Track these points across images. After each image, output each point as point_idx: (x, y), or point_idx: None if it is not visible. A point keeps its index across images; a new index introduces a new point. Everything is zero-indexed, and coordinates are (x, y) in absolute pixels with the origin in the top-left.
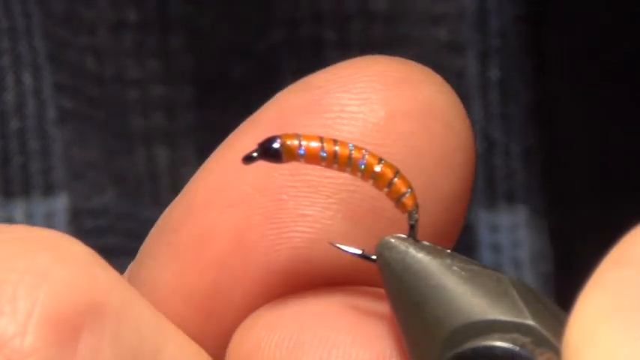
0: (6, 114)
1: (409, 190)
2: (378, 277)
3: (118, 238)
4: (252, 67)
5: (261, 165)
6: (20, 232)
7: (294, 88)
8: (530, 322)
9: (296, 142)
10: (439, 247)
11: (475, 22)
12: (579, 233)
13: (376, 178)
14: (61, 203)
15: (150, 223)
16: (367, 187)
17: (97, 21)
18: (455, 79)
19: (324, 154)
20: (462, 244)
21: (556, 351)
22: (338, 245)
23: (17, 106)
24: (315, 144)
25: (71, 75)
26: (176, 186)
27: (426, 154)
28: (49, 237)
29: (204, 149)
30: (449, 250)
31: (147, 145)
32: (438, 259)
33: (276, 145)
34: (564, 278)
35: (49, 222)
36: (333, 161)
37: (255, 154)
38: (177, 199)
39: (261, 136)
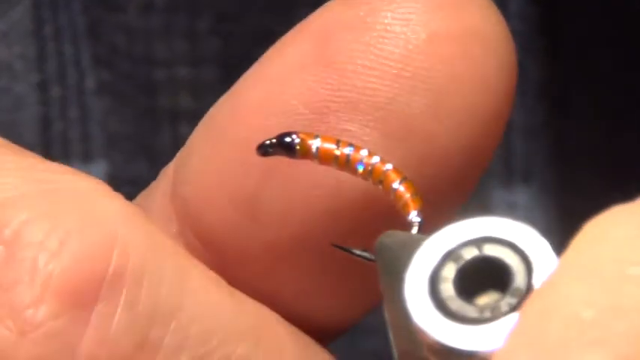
0: (48, 82)
1: (413, 196)
2: None
3: None
4: None
5: (307, 78)
6: (52, 182)
7: (343, 2)
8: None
9: (311, 141)
10: None
11: (496, 4)
12: (588, 212)
13: (383, 183)
14: (99, 170)
15: None
16: (404, 108)
17: (128, 1)
18: None
19: (337, 155)
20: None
21: None
22: (339, 246)
23: (59, 75)
24: (329, 146)
25: (106, 50)
26: None
27: (465, 77)
28: (80, 191)
29: None
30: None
31: (173, 123)
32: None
33: (291, 140)
34: None
35: None
36: (345, 165)
37: (270, 148)
38: (224, 98)
39: (307, 46)
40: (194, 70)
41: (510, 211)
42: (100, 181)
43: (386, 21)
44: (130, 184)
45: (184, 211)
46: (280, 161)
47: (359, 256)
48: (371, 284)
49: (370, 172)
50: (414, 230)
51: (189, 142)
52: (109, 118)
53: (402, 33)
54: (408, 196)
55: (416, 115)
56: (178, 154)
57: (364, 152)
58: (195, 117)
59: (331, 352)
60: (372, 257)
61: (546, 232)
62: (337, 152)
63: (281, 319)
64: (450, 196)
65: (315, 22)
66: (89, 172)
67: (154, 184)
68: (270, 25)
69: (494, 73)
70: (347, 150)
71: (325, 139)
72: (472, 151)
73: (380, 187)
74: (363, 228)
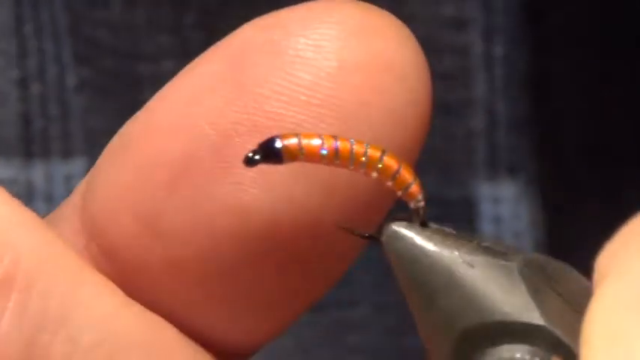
0: (28, 79)
1: (414, 180)
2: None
3: None
4: None
5: (216, 99)
6: None
7: (259, 23)
8: (541, 322)
9: (295, 142)
10: (446, 230)
11: None
12: (574, 203)
13: (380, 172)
14: (79, 166)
15: None
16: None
17: None
18: (459, 55)
19: (325, 152)
20: (464, 217)
21: (569, 350)
22: (344, 227)
23: (39, 71)
24: (316, 142)
25: (88, 47)
26: None
27: (373, 108)
28: None
29: None
30: (455, 232)
31: None
32: (446, 251)
33: (277, 146)
34: (557, 246)
35: (68, 184)
36: (335, 158)
37: (256, 157)
38: (134, 117)
39: (219, 67)
40: (180, 65)
41: (496, 205)
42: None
43: (298, 46)
44: None
45: (91, 225)
46: (185, 181)
47: (364, 237)
48: (275, 311)
49: (365, 162)
50: (416, 215)
51: (101, 156)
52: (90, 115)
53: (313, 59)
54: (411, 181)
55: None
56: (91, 169)
57: (352, 141)
58: None
59: (316, 346)
60: (378, 237)
61: (532, 226)
62: (324, 151)
63: (180, 335)
64: (357, 224)
65: (229, 43)
66: (70, 169)
67: (68, 199)
68: (254, 18)
69: (405, 105)
70: (334, 144)
71: (307, 135)
72: (379, 188)
73: (374, 174)
74: (270, 251)
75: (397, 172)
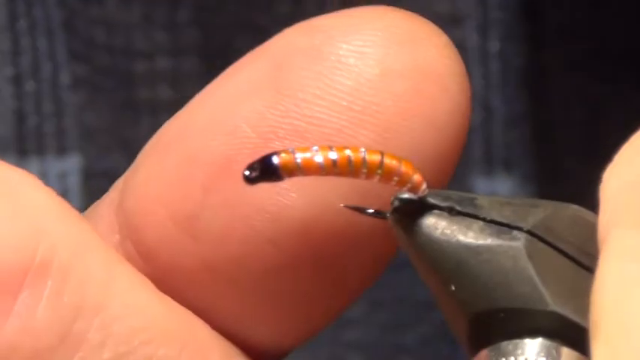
0: (22, 76)
1: (416, 173)
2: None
3: None
4: (257, 40)
5: (257, 101)
6: None
7: (301, 27)
8: (550, 308)
9: (292, 157)
10: (452, 211)
11: None
12: (568, 199)
13: (382, 175)
14: (73, 163)
15: None
16: (351, 141)
17: None
18: None
19: (323, 164)
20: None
21: (580, 328)
22: (351, 206)
23: (33, 69)
24: (313, 155)
25: (83, 44)
26: None
27: (415, 115)
28: (9, 182)
29: None
30: (460, 208)
31: (152, 115)
32: (453, 239)
33: (274, 162)
34: None
35: (62, 181)
36: (334, 169)
37: (254, 175)
38: (175, 116)
39: (261, 70)
40: (174, 61)
41: None
42: (32, 175)
43: (340, 52)
44: (105, 177)
45: (126, 223)
46: (223, 182)
47: (372, 215)
48: (309, 314)
49: (366, 169)
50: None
51: (139, 155)
52: (85, 112)
53: (355, 65)
54: (413, 175)
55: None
56: (130, 166)
57: (347, 152)
58: (175, 108)
59: (312, 343)
60: (386, 215)
61: None
62: (319, 159)
63: (212, 331)
64: (385, 239)
65: (272, 46)
66: (64, 166)
67: (105, 195)
68: (249, 15)
69: (446, 113)
70: (331, 155)
71: (302, 149)
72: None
73: (377, 178)
74: (305, 255)
75: (399, 171)
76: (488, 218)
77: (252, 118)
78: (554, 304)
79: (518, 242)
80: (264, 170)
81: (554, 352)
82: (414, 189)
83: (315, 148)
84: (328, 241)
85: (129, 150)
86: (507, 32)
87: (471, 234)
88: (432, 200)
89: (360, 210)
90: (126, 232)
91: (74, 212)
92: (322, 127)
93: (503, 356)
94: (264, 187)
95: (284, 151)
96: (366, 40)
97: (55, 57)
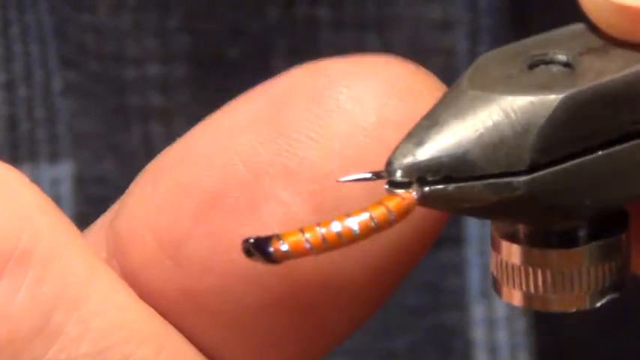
0: (14, 82)
1: (401, 199)
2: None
3: None
4: (247, 47)
5: (252, 137)
6: None
7: (307, 69)
8: None
9: (286, 248)
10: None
11: (465, 0)
12: None
13: (378, 229)
14: (66, 170)
15: None
16: (340, 186)
17: (97, 0)
18: (445, 57)
19: (309, 245)
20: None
21: None
22: (345, 179)
23: (25, 75)
24: (305, 244)
25: (74, 50)
26: None
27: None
28: None
29: None
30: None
31: (143, 121)
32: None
33: (269, 250)
34: None
35: (55, 188)
36: (324, 246)
37: (253, 254)
38: (173, 144)
39: (260, 105)
40: (165, 68)
41: None
42: (19, 171)
43: (340, 97)
44: (97, 183)
45: (114, 242)
46: (211, 214)
47: (370, 179)
48: (289, 354)
49: (356, 235)
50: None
51: (137, 177)
52: (76, 118)
53: (352, 112)
54: (402, 204)
55: (350, 195)
56: (129, 188)
57: (336, 226)
58: (165, 115)
59: None
60: (383, 174)
61: None
62: (307, 246)
63: (188, 342)
64: (372, 288)
65: (275, 83)
66: (56, 173)
67: (101, 217)
68: (240, 22)
69: None
70: (321, 237)
71: (287, 234)
72: (403, 239)
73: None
74: (285, 295)
75: (389, 213)
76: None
77: (245, 152)
78: None
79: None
80: (262, 256)
81: None
82: (409, 208)
83: (307, 238)
84: (311, 284)
85: (120, 156)
86: (497, 38)
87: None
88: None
89: (356, 179)
90: (113, 250)
91: (58, 209)
92: (313, 169)
93: None
94: (249, 224)
95: (288, 233)
96: (366, 88)
97: (47, 63)
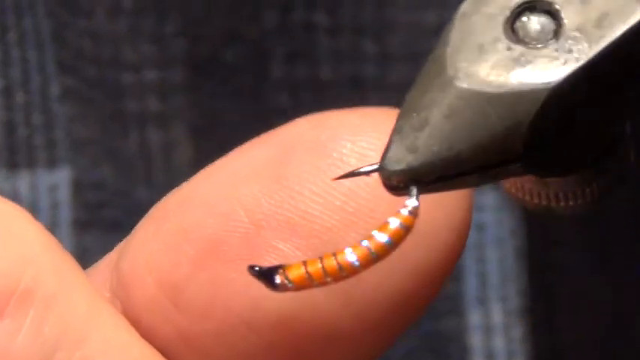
0: (11, 88)
1: (396, 217)
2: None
3: (116, 213)
4: (244, 52)
5: (255, 187)
6: None
7: (311, 120)
8: None
9: (292, 285)
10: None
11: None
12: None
13: (381, 256)
14: (64, 176)
15: (142, 202)
16: (340, 241)
17: (95, 5)
18: None
19: (308, 275)
20: None
21: None
22: (340, 177)
23: (23, 80)
24: (307, 279)
25: (72, 55)
26: (168, 167)
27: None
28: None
29: (196, 131)
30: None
31: (140, 127)
32: None
33: (277, 282)
34: (538, 252)
35: (53, 194)
36: (325, 277)
37: (257, 277)
38: (177, 188)
39: (264, 156)
40: (162, 73)
41: (479, 212)
42: (23, 209)
43: (344, 151)
44: (95, 188)
45: (118, 282)
46: (211, 261)
47: (366, 173)
48: None
49: (354, 266)
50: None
51: (143, 218)
52: (74, 124)
53: (355, 167)
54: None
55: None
56: (135, 228)
57: (350, 257)
58: (163, 120)
59: None
60: (379, 168)
61: (514, 234)
62: (314, 282)
63: None
64: (372, 339)
65: (280, 134)
66: (54, 179)
67: (107, 254)
68: (236, 26)
69: (442, 229)
70: (319, 266)
71: (290, 268)
72: (402, 300)
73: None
74: (282, 344)
75: (397, 240)
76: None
77: (247, 202)
78: None
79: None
80: (266, 282)
81: None
82: (412, 215)
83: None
84: (306, 336)
85: (118, 162)
86: None
87: None
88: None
89: (351, 174)
90: (116, 290)
91: (61, 247)
92: (314, 223)
93: None
94: (248, 274)
95: (293, 266)
96: (370, 142)
97: (45, 69)
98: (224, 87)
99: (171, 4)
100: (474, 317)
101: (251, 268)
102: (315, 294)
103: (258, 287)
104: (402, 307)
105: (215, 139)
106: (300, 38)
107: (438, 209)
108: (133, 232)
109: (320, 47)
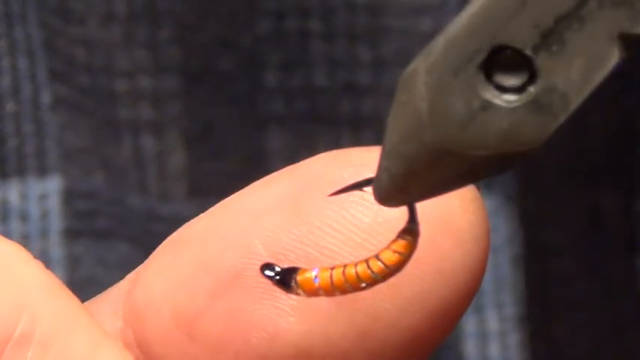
0: (2, 97)
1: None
2: None
3: (108, 222)
4: (238, 59)
5: (275, 221)
6: None
7: (334, 156)
8: None
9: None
10: None
11: (457, 12)
12: (553, 218)
13: (395, 269)
14: (54, 185)
15: (135, 210)
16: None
17: (87, 12)
18: None
19: (319, 283)
20: None
21: None
22: (335, 192)
23: (13, 90)
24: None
25: (63, 63)
26: (161, 175)
27: (426, 264)
28: None
29: (189, 139)
30: None
31: (134, 134)
32: None
33: (288, 282)
34: (534, 261)
35: (43, 202)
36: (345, 286)
37: (272, 277)
38: (196, 219)
39: (286, 190)
40: (155, 81)
41: None
42: (21, 248)
43: (365, 188)
44: (86, 197)
45: (131, 312)
46: (228, 293)
47: (360, 184)
48: None
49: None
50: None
51: (159, 247)
52: (66, 132)
53: (376, 204)
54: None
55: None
56: (149, 257)
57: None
58: (156, 128)
59: None
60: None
61: (510, 239)
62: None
63: None
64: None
65: (302, 168)
66: (45, 187)
67: (118, 283)
68: (230, 34)
69: (459, 268)
70: (329, 278)
71: (302, 271)
72: (417, 337)
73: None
74: None
75: (408, 255)
76: None
77: (267, 236)
78: None
79: None
80: (281, 281)
81: None
82: (413, 233)
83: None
84: None
85: (110, 170)
86: None
87: None
88: None
89: (347, 189)
90: (129, 320)
91: (60, 285)
92: (333, 259)
93: None
94: (265, 307)
95: (305, 270)
96: None
97: (36, 77)
98: (218, 94)
99: (164, 12)
100: (470, 324)
101: (265, 267)
102: (330, 329)
103: (275, 321)
104: (417, 345)
105: (209, 146)
106: (294, 45)
107: (455, 248)
108: (146, 261)
109: (314, 54)
